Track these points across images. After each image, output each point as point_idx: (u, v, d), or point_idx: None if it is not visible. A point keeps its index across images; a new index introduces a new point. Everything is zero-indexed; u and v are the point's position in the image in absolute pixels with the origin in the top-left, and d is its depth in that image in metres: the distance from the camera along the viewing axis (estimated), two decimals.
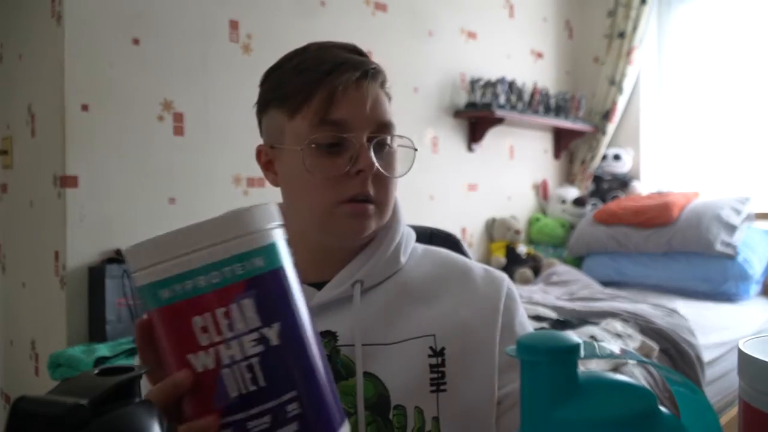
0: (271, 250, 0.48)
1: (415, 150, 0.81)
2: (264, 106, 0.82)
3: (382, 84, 0.80)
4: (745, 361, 0.38)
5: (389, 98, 0.82)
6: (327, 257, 0.81)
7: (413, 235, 0.88)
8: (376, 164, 0.74)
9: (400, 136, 0.80)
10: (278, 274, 0.48)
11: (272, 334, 0.45)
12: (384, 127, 0.78)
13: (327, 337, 0.76)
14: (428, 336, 0.77)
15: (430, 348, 0.76)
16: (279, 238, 0.50)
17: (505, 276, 0.86)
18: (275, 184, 0.83)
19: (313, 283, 0.80)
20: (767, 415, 0.36)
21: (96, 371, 0.34)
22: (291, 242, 0.83)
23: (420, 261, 0.85)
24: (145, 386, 0.38)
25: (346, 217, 0.75)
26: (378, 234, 0.83)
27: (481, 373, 0.77)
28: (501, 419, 0.77)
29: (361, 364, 0.74)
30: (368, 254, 0.81)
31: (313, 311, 0.77)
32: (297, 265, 0.82)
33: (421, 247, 0.89)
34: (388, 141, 0.78)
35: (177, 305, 0.44)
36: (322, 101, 0.74)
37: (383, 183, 0.77)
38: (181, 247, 0.44)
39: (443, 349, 0.76)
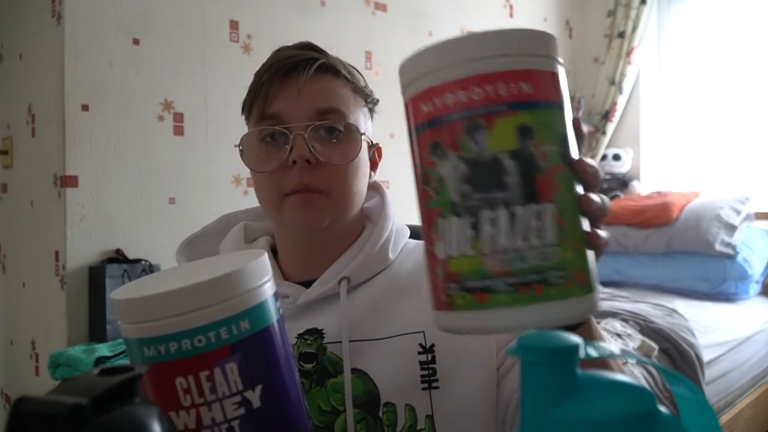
0: (259, 310, 0.47)
1: (362, 134, 0.79)
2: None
3: (334, 72, 0.78)
4: None
5: (357, 88, 0.80)
6: (312, 255, 0.80)
7: (406, 231, 0.88)
8: (310, 153, 0.73)
9: (337, 119, 0.77)
10: (264, 334, 0.47)
11: (254, 397, 0.45)
12: (327, 114, 0.76)
13: (314, 334, 0.76)
14: (417, 333, 0.76)
15: (420, 345, 0.75)
16: (269, 293, 0.49)
17: None
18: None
19: (301, 281, 0.80)
20: None
21: (96, 371, 0.33)
22: (278, 242, 0.84)
23: (409, 256, 0.84)
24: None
25: (293, 208, 0.75)
26: (365, 230, 0.83)
27: (477, 369, 0.75)
28: (501, 383, 0.76)
29: (349, 361, 0.73)
30: (355, 251, 0.80)
31: (301, 309, 0.77)
32: (285, 264, 0.82)
33: (413, 243, 0.87)
34: (336, 127, 0.76)
35: (161, 365, 0.44)
36: (261, 100, 0.77)
37: (329, 172, 0.75)
38: (169, 308, 0.43)
39: (433, 345, 0.75)
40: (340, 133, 0.77)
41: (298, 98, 0.75)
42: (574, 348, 0.33)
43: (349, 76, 0.80)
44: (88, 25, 1.92)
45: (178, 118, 2.12)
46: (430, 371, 0.74)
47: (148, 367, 0.40)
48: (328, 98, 0.77)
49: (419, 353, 0.75)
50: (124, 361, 1.66)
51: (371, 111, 0.85)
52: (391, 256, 0.82)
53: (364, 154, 0.80)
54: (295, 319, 0.77)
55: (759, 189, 3.28)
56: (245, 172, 2.28)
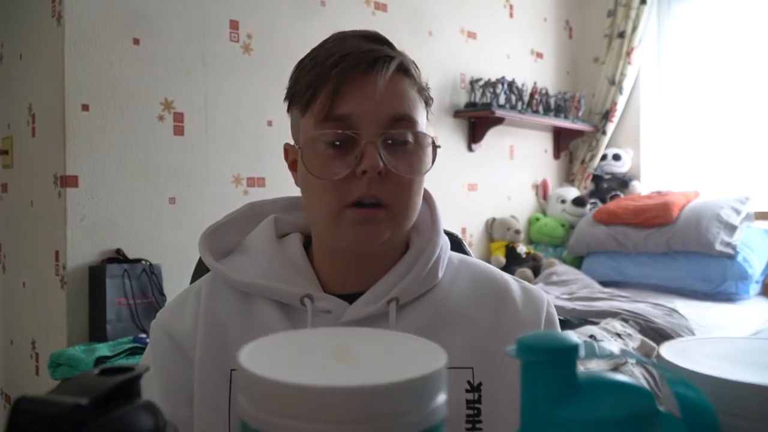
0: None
1: (438, 147, 0.75)
2: (287, 103, 0.77)
3: (405, 72, 0.72)
4: None
5: (421, 89, 0.75)
6: (356, 266, 0.75)
7: (448, 243, 0.82)
8: (382, 163, 0.67)
9: (415, 132, 0.71)
10: None
11: None
12: (400, 121, 0.70)
13: None
14: (466, 369, 0.72)
15: (468, 382, 0.71)
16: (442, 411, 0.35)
17: (544, 296, 0.80)
18: (297, 185, 0.77)
19: (341, 294, 0.74)
20: None
21: (96, 371, 0.33)
22: (316, 248, 0.78)
23: (456, 275, 0.78)
24: (145, 387, 0.38)
25: (353, 223, 0.69)
26: (414, 243, 0.77)
27: (517, 409, 0.73)
28: None
29: None
30: (405, 268, 0.74)
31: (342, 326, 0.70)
32: (322, 271, 0.76)
33: (456, 257, 0.82)
34: (408, 137, 0.70)
35: None
36: (327, 97, 0.68)
37: (397, 184, 0.69)
38: (318, 410, 0.30)
39: (480, 384, 0.71)
40: (410, 144, 0.71)
41: (373, 102, 0.68)
42: (574, 348, 0.33)
43: (416, 77, 0.74)
44: (88, 25, 1.92)
45: (178, 118, 2.12)
46: (476, 411, 0.71)
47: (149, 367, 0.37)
48: (403, 103, 0.70)
49: (467, 391, 0.71)
50: (124, 362, 1.66)
51: (428, 113, 0.78)
52: (441, 274, 0.76)
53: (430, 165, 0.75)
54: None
55: (759, 189, 3.28)
56: (245, 172, 2.28)
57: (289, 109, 0.77)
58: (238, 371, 0.32)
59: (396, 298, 0.72)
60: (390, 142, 0.69)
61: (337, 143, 0.69)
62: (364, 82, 0.68)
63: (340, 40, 0.73)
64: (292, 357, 0.36)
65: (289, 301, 0.73)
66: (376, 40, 0.73)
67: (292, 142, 0.78)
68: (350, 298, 0.74)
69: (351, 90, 0.68)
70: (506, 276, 0.81)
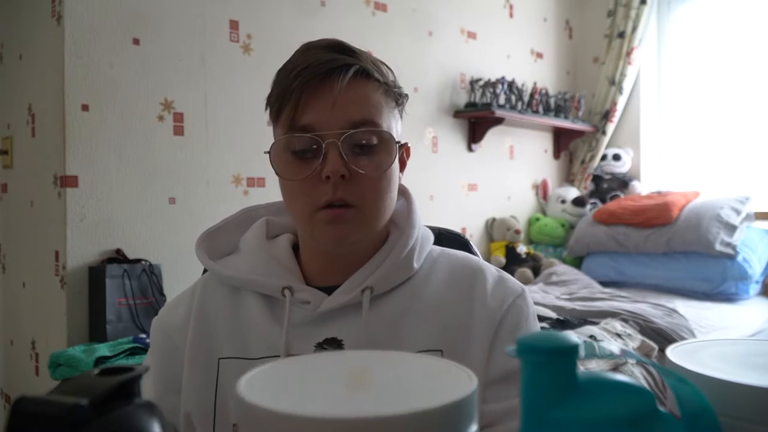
0: None
1: (397, 143, 0.77)
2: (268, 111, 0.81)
3: (367, 77, 0.75)
4: None
5: (388, 90, 0.77)
6: (335, 261, 0.78)
7: (430, 237, 0.84)
8: (346, 168, 0.71)
9: (374, 131, 0.74)
10: None
11: None
12: (360, 125, 0.73)
13: (333, 344, 0.74)
14: (435, 351, 0.73)
15: None
16: None
17: (518, 288, 0.80)
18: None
19: (323, 287, 0.78)
20: None
21: (96, 371, 0.33)
22: (301, 246, 0.82)
23: (434, 266, 0.81)
24: (145, 387, 0.37)
25: (324, 224, 0.73)
26: (390, 237, 0.81)
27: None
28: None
29: None
30: (380, 259, 0.78)
31: (321, 316, 0.75)
32: (307, 266, 0.80)
33: (437, 250, 0.84)
34: (370, 139, 0.73)
35: None
36: (291, 109, 0.73)
37: (364, 185, 0.73)
38: None
39: None
40: (373, 145, 0.74)
41: (332, 109, 0.72)
42: (574, 348, 0.33)
43: (381, 78, 0.76)
44: (88, 25, 1.92)
45: (178, 118, 2.12)
46: None
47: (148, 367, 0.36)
48: (363, 108, 0.73)
49: None
50: (124, 362, 1.66)
51: (401, 110, 0.82)
52: (416, 265, 0.79)
53: (396, 162, 0.77)
54: (315, 327, 0.75)
55: (759, 189, 3.28)
56: (245, 172, 2.28)
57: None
58: (236, 402, 0.28)
59: (370, 287, 0.75)
60: (355, 144, 0.73)
61: (302, 149, 0.73)
62: (322, 92, 0.72)
63: (304, 51, 0.76)
64: (301, 382, 0.33)
65: (272, 293, 0.77)
66: (337, 49, 0.75)
67: None
68: (331, 290, 0.77)
69: (311, 100, 0.72)
70: (485, 265, 0.82)
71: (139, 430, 0.32)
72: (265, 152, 0.77)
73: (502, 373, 0.73)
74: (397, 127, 0.80)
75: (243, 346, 0.76)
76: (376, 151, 0.74)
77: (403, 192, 0.85)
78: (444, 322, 0.75)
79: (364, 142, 0.73)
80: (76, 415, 0.30)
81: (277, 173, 0.75)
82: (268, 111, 0.79)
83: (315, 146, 0.72)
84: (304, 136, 0.72)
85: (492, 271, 0.81)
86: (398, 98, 0.79)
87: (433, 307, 0.76)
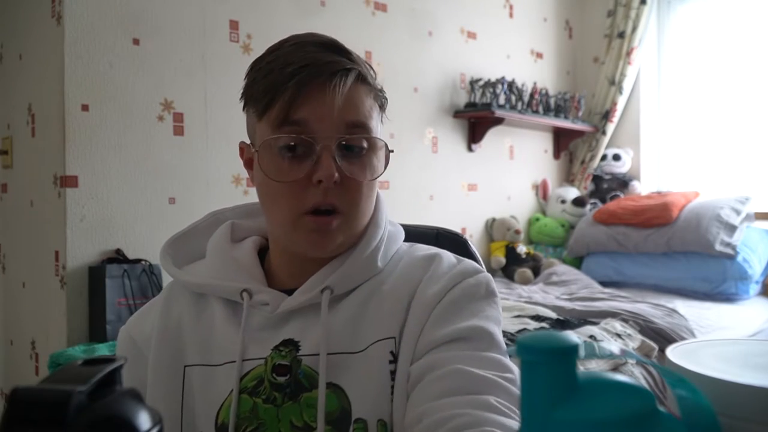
0: None
1: (391, 151, 0.75)
2: (243, 102, 0.77)
3: (363, 81, 0.73)
4: None
5: (377, 94, 0.76)
6: (304, 263, 0.76)
7: (399, 236, 0.82)
8: (337, 173, 0.69)
9: (369, 137, 0.73)
10: None
11: None
12: (354, 128, 0.71)
13: (289, 346, 0.72)
14: (389, 339, 0.71)
15: (391, 353, 0.70)
16: None
17: (473, 271, 0.76)
18: (253, 183, 0.78)
19: (289, 289, 0.75)
20: None
21: (80, 362, 0.35)
22: (271, 248, 0.80)
23: (397, 263, 0.78)
24: (126, 376, 0.39)
25: (309, 231, 0.71)
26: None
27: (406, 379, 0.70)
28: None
29: (324, 375, 0.68)
30: (342, 259, 0.75)
31: (280, 318, 0.73)
32: (275, 269, 0.79)
33: (405, 246, 0.82)
34: (363, 143, 0.72)
35: None
36: (285, 103, 0.69)
37: (352, 189, 0.71)
38: None
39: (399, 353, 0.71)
40: (365, 149, 0.72)
41: (329, 112, 0.69)
42: (574, 348, 0.33)
43: (372, 82, 0.75)
44: (88, 25, 1.92)
45: (178, 118, 2.12)
46: (394, 382, 0.70)
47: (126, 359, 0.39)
48: (358, 112, 0.72)
49: (390, 362, 0.70)
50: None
51: (383, 114, 0.80)
52: (380, 264, 0.76)
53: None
54: (274, 330, 0.73)
55: (759, 189, 3.29)
56: (245, 172, 2.27)
57: (244, 108, 0.77)
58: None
59: (329, 287, 0.73)
60: (345, 148, 0.71)
61: (293, 148, 0.70)
62: (321, 93, 0.70)
63: (298, 46, 0.73)
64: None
65: (232, 297, 0.76)
66: (334, 50, 0.73)
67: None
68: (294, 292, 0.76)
69: (308, 98, 0.69)
70: (444, 254, 0.79)
71: (131, 414, 0.33)
72: (254, 150, 0.73)
73: (434, 340, 0.70)
74: (382, 131, 0.79)
75: (207, 353, 0.74)
76: (366, 156, 0.73)
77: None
78: (396, 308, 0.73)
79: (358, 146, 0.72)
80: (75, 401, 0.31)
81: (265, 173, 0.72)
82: (245, 101, 0.76)
83: (308, 148, 0.70)
84: (300, 136, 0.70)
85: (450, 257, 0.79)
86: (383, 102, 0.78)
87: (389, 299, 0.74)
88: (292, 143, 0.70)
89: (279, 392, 0.70)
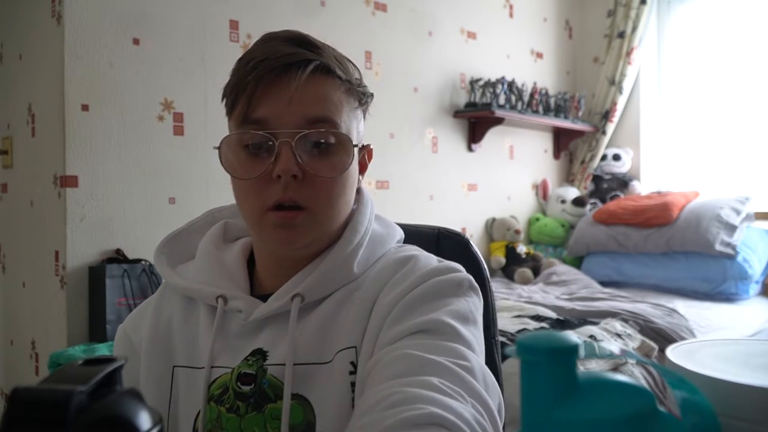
0: None
1: (356, 146, 0.72)
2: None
3: (328, 73, 0.70)
4: None
5: (351, 88, 0.73)
6: (281, 266, 0.74)
7: (389, 239, 0.79)
8: (295, 167, 0.67)
9: (329, 131, 0.70)
10: None
11: None
12: (316, 123, 0.69)
13: (256, 355, 0.70)
14: (350, 348, 0.68)
15: (351, 363, 0.68)
16: None
17: (453, 273, 0.72)
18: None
19: (271, 293, 0.73)
20: None
21: (80, 362, 0.35)
22: (255, 250, 0.78)
23: (373, 267, 0.75)
24: (126, 377, 0.38)
25: (273, 226, 0.69)
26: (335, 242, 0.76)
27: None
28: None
29: (290, 386, 0.66)
30: (316, 263, 0.73)
31: (255, 326, 0.71)
32: (260, 273, 0.77)
33: (395, 248, 0.79)
34: (326, 138, 0.69)
35: None
36: (245, 101, 0.69)
37: (317, 186, 0.69)
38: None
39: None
40: (330, 145, 0.70)
41: (287, 106, 0.68)
42: (574, 348, 0.33)
43: (343, 75, 0.72)
44: (88, 25, 1.92)
45: (178, 118, 2.12)
46: (353, 395, 0.67)
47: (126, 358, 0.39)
48: (320, 105, 0.69)
49: (351, 373, 0.67)
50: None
51: (365, 111, 0.78)
52: (356, 270, 0.73)
53: (354, 165, 0.73)
54: (249, 338, 0.72)
55: (759, 189, 3.28)
56: None
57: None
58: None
59: (299, 294, 0.70)
60: (309, 143, 0.69)
61: (254, 146, 0.69)
62: (278, 87, 0.68)
63: (263, 42, 0.72)
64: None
65: (209, 302, 0.74)
66: (298, 42, 0.71)
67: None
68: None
69: (266, 94, 0.68)
70: (423, 256, 0.76)
71: (132, 413, 0.33)
72: (214, 147, 0.72)
73: (397, 334, 0.66)
74: (359, 127, 0.76)
75: (192, 356, 0.74)
76: (332, 151, 0.70)
77: (359, 193, 0.79)
78: (359, 315, 0.70)
79: (321, 141, 0.69)
80: (75, 401, 0.31)
81: (227, 170, 0.71)
82: (224, 102, 0.75)
83: (269, 144, 0.68)
84: (257, 132, 0.68)
85: (429, 259, 0.75)
86: (362, 97, 0.75)
87: (357, 306, 0.71)
88: (251, 141, 0.69)
89: (243, 402, 0.69)
